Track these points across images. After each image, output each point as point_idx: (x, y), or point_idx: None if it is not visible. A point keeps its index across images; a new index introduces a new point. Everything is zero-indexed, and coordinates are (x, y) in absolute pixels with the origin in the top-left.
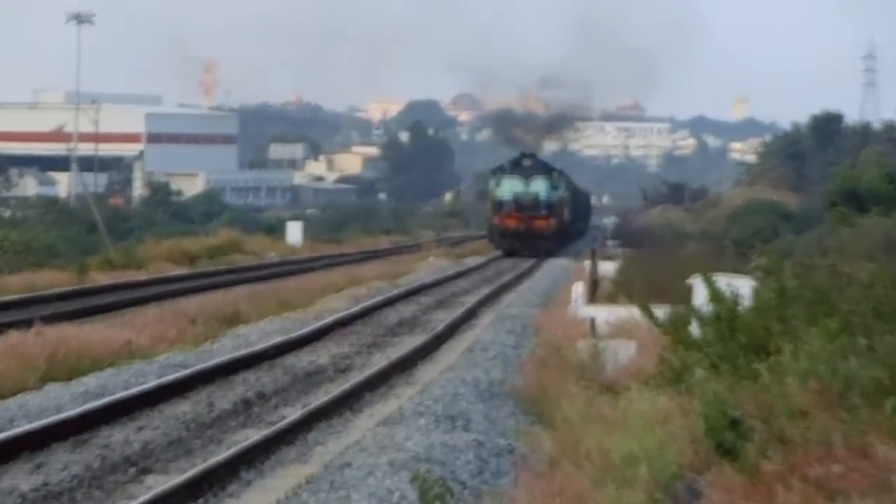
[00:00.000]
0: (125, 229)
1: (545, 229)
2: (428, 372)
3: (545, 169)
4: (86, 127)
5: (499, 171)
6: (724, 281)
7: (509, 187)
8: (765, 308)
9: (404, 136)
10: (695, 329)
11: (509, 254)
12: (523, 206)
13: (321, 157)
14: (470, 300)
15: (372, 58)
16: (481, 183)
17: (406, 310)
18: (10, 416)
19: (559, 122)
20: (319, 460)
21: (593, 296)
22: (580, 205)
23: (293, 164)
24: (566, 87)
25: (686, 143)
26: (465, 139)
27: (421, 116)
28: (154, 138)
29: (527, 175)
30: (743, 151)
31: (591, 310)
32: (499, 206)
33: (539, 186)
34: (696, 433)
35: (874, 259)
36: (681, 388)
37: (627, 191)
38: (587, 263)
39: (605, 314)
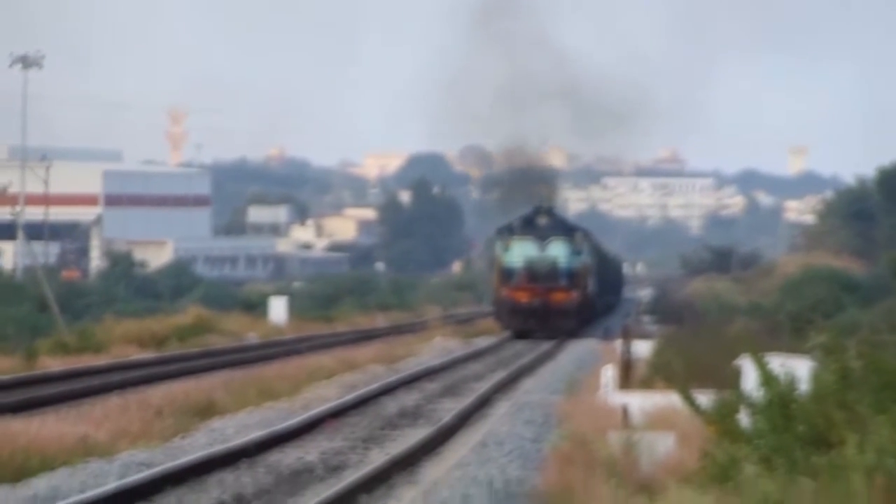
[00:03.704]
0: (81, 307)
1: (565, 304)
2: (434, 470)
3: (565, 229)
4: (34, 187)
5: (506, 232)
6: (777, 362)
7: (520, 252)
8: (825, 393)
9: (405, 196)
10: (744, 418)
11: (521, 335)
12: (538, 276)
13: (309, 222)
14: (482, 386)
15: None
16: (490, 248)
17: (408, 398)
18: None
19: (584, 178)
20: None
21: (626, 380)
22: (609, 274)
23: (276, 230)
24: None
25: (733, 202)
26: (476, 198)
27: (424, 173)
28: (113, 200)
29: (542, 236)
30: (800, 211)
31: (623, 396)
32: (507, 275)
33: (557, 250)
34: None
35: None
36: (728, 487)
37: (665, 257)
38: (619, 343)
39: (639, 401)
